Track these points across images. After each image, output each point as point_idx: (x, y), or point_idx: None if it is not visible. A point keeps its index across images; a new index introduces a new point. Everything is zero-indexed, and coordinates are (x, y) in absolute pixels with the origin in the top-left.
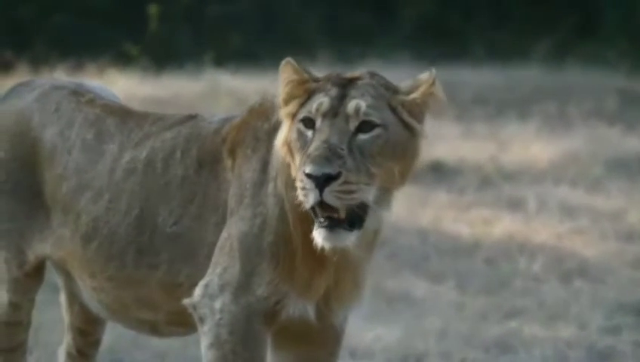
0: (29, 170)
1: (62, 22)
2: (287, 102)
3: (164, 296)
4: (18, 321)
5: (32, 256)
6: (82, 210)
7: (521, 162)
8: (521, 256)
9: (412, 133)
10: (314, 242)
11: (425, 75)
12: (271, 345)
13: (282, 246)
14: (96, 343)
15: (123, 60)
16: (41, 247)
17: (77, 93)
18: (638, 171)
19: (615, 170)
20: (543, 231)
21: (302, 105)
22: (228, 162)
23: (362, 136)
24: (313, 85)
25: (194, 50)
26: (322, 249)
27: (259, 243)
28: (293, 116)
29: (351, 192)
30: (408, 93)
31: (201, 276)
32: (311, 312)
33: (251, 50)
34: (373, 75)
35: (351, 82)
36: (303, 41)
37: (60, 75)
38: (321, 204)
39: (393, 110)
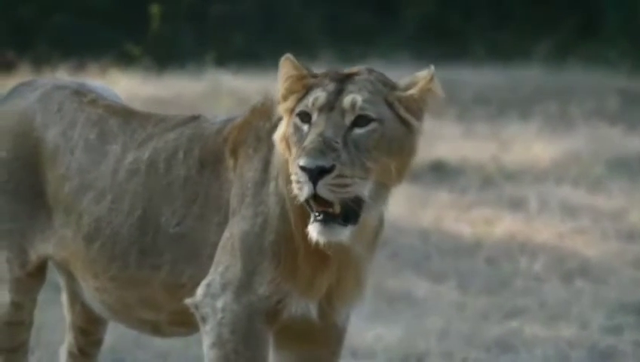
0: (32, 170)
1: (64, 22)
2: (285, 97)
3: (167, 296)
4: (20, 321)
5: (34, 256)
6: (85, 211)
7: (522, 162)
8: (523, 256)
9: (409, 129)
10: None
11: (423, 72)
12: (273, 344)
13: (284, 245)
14: (98, 343)
15: (125, 60)
16: (43, 247)
17: (79, 93)
18: None
19: (616, 170)
20: (545, 230)
21: (300, 100)
22: (230, 162)
23: (358, 131)
24: (311, 80)
25: (196, 50)
26: (317, 243)
27: (260, 242)
28: (292, 111)
29: (345, 186)
30: (406, 89)
31: (204, 276)
32: (313, 311)
33: (253, 50)
34: (371, 70)
35: (348, 77)
36: (305, 41)
37: (62, 75)
38: (316, 198)
39: (390, 105)
